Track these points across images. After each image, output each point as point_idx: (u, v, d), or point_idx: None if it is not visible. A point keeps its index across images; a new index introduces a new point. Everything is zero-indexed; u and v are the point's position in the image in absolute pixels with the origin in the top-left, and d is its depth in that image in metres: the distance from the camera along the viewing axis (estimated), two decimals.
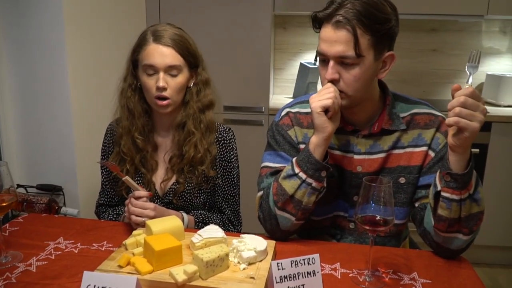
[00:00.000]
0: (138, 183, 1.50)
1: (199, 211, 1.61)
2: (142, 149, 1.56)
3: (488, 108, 3.01)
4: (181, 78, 1.50)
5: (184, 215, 1.53)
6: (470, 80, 1.19)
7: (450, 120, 1.07)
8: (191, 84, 1.56)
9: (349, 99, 1.27)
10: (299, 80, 3.23)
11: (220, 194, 1.63)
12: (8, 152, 2.31)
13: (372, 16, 1.19)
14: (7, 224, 1.43)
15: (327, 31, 1.22)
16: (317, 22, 1.26)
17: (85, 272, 0.97)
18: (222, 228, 1.54)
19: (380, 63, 1.27)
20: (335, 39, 1.20)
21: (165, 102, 1.48)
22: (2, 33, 2.23)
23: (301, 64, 3.21)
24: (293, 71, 3.41)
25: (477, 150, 2.85)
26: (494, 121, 2.84)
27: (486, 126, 2.84)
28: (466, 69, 1.22)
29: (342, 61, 1.22)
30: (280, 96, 3.43)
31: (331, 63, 1.23)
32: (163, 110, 1.51)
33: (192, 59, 1.53)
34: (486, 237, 2.88)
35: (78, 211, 2.19)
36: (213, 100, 1.60)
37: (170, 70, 1.47)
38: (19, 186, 2.23)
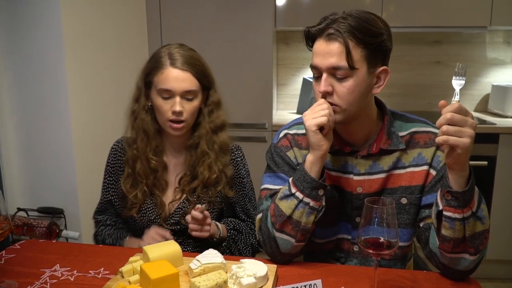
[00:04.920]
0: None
1: (229, 219, 1.61)
2: (155, 170, 1.54)
3: (495, 119, 2.98)
4: (196, 102, 1.50)
5: (218, 224, 1.54)
6: (458, 95, 1.15)
7: (438, 139, 1.05)
8: (202, 106, 1.55)
9: (343, 113, 1.24)
10: (303, 95, 3.21)
11: (239, 209, 1.64)
12: (9, 175, 2.30)
13: (364, 29, 1.19)
14: (3, 251, 1.40)
15: (320, 44, 1.22)
16: (310, 39, 1.26)
17: None
18: (251, 233, 1.59)
19: (374, 77, 1.25)
20: (328, 51, 1.20)
21: (180, 126, 1.48)
22: (2, 58, 2.24)
23: (304, 79, 3.19)
24: (296, 86, 3.39)
25: (485, 162, 2.81)
26: (501, 132, 2.79)
27: (494, 138, 2.80)
28: (452, 84, 1.18)
29: (335, 73, 1.21)
30: (284, 111, 3.41)
31: (324, 75, 1.22)
32: (177, 133, 1.50)
33: (206, 82, 1.53)
34: (498, 251, 2.82)
35: (79, 234, 2.16)
36: (226, 121, 1.59)
37: (187, 94, 1.46)
38: (20, 209, 2.22)
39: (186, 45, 1.54)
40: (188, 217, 1.43)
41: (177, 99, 1.45)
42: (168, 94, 1.46)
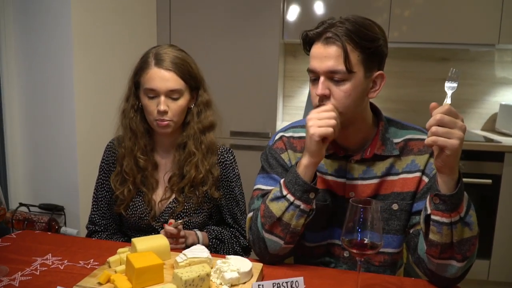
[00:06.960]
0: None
1: (212, 227, 1.61)
2: (143, 168, 1.56)
3: (502, 138, 2.96)
4: (182, 101, 1.51)
5: (198, 232, 1.54)
6: (449, 99, 1.16)
7: (428, 140, 1.05)
8: (192, 105, 1.57)
9: (340, 116, 1.24)
10: (308, 107, 3.22)
11: (227, 213, 1.64)
12: (13, 171, 2.34)
13: (361, 33, 1.20)
14: (0, 240, 1.44)
15: (318, 47, 1.24)
16: (308, 42, 1.27)
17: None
18: (235, 241, 1.58)
19: (370, 82, 1.26)
20: (325, 54, 1.21)
21: (165, 123, 1.49)
22: (13, 52, 2.29)
23: (309, 92, 3.21)
24: (303, 98, 3.42)
25: (490, 181, 2.77)
26: (507, 151, 2.77)
27: (499, 156, 2.77)
28: (445, 89, 1.19)
29: (332, 77, 1.22)
30: (289, 122, 3.41)
31: (322, 78, 1.22)
32: (164, 131, 1.52)
33: (193, 82, 1.54)
34: (501, 273, 2.76)
35: (78, 231, 2.19)
36: (214, 121, 1.60)
37: (171, 94, 1.48)
38: (22, 204, 2.25)
39: (176, 46, 1.57)
40: (162, 231, 1.42)
41: (162, 98, 1.47)
42: (153, 94, 1.48)
